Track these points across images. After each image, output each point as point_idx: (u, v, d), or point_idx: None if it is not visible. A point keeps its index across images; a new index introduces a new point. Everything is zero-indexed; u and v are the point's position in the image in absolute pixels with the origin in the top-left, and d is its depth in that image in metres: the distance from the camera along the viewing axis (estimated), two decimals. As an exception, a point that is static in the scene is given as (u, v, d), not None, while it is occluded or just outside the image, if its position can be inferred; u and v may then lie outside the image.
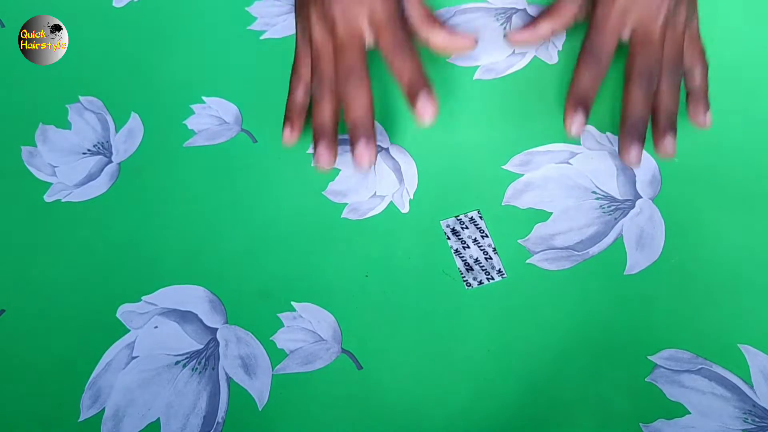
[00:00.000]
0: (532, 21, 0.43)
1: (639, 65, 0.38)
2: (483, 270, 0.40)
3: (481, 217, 0.42)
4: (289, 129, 0.41)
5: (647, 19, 0.38)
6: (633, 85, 0.39)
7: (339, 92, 0.38)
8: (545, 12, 0.43)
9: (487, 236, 0.41)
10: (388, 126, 0.46)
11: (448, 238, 0.41)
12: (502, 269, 0.40)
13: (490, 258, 0.41)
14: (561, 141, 0.44)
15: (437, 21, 0.41)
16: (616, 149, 0.43)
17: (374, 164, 0.37)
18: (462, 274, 0.40)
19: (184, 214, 0.43)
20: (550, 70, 0.47)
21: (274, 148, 0.46)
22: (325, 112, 0.39)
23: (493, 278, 0.40)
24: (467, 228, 0.42)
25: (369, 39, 0.38)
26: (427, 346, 0.39)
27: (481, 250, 0.41)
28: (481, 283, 0.40)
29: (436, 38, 0.41)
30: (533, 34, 0.43)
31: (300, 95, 0.41)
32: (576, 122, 0.39)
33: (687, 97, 0.42)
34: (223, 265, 0.42)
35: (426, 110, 0.36)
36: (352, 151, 0.37)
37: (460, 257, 0.41)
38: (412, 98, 0.37)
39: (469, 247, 0.41)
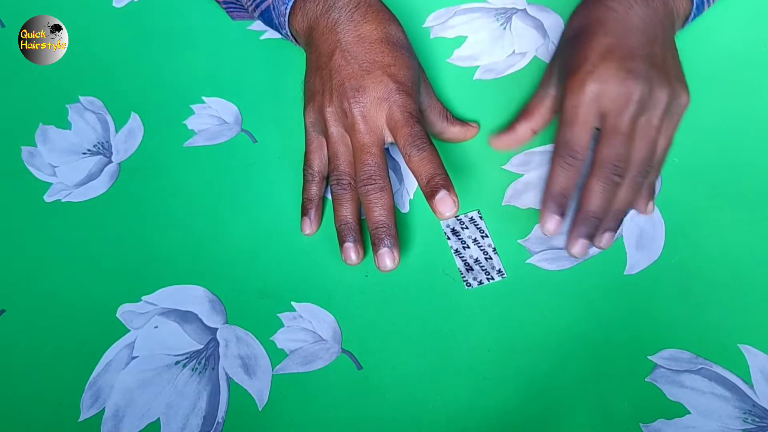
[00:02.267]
0: (510, 125, 0.41)
1: (603, 157, 0.35)
2: (483, 270, 0.40)
3: (481, 217, 0.42)
4: (308, 223, 0.41)
5: (616, 109, 0.35)
6: (593, 177, 0.36)
7: (360, 193, 0.38)
8: (521, 114, 0.41)
9: (487, 236, 0.41)
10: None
11: (448, 238, 0.41)
12: (502, 269, 0.40)
13: (490, 258, 0.41)
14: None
15: (451, 117, 0.43)
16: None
17: (398, 265, 0.38)
18: (462, 274, 0.40)
19: (184, 214, 0.43)
20: (550, 70, 0.47)
21: (274, 148, 0.46)
22: (347, 211, 0.39)
23: (493, 278, 0.40)
24: (467, 228, 0.42)
25: (388, 138, 0.38)
26: (427, 346, 0.39)
27: (481, 250, 0.41)
28: (481, 283, 0.40)
29: (450, 132, 0.43)
30: (513, 138, 0.41)
31: (314, 190, 0.41)
32: (552, 222, 0.36)
33: None
34: (223, 265, 0.42)
35: (445, 208, 0.35)
36: (375, 252, 0.37)
37: (460, 257, 0.41)
38: (430, 195, 0.36)
39: (469, 247, 0.41)
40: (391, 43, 0.38)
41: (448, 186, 0.36)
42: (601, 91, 0.35)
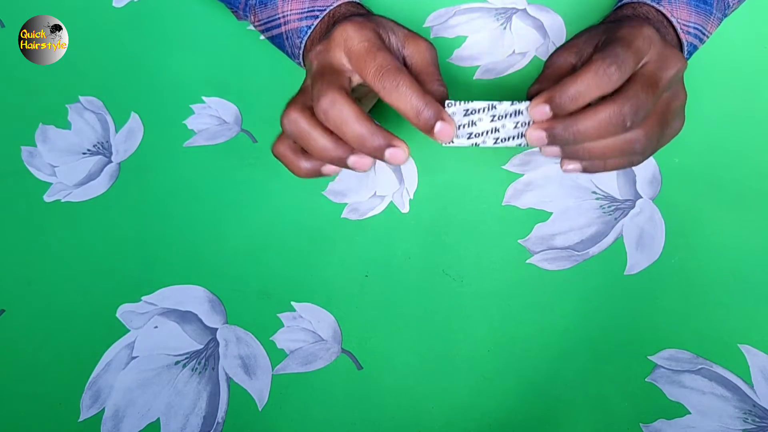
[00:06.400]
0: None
1: (633, 99, 0.30)
2: (522, 123, 0.34)
3: (466, 102, 0.35)
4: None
5: (660, 63, 0.31)
6: (613, 106, 0.30)
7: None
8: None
9: (493, 106, 0.34)
10: (388, 126, 0.45)
11: (484, 143, 0.35)
12: (523, 106, 0.34)
13: (520, 112, 0.34)
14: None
15: (437, 81, 0.36)
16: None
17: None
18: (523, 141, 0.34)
19: (184, 214, 0.43)
20: (550, 70, 0.47)
21: (274, 148, 0.46)
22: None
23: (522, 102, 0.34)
24: (477, 121, 0.34)
25: (353, 76, 0.34)
26: (427, 346, 0.39)
27: (507, 114, 0.34)
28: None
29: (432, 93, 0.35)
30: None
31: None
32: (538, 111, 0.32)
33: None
34: (223, 265, 0.42)
35: (446, 135, 0.32)
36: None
37: (505, 140, 0.34)
38: (428, 131, 0.33)
39: (504, 126, 0.35)
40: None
41: (438, 114, 0.32)
42: (652, 39, 0.31)
